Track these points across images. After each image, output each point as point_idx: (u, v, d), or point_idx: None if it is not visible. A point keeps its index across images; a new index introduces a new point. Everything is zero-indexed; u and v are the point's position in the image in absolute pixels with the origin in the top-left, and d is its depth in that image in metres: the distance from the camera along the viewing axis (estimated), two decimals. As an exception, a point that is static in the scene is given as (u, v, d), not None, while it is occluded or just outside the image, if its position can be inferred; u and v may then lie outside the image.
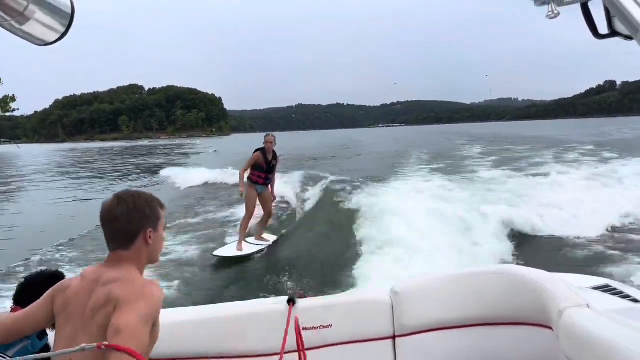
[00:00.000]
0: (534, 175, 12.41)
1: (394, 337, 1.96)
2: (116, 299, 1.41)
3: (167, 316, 2.01)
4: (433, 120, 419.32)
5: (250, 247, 7.29)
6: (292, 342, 1.89)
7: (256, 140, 7.50)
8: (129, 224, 1.53)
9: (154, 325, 1.46)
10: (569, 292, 1.60)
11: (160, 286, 1.51)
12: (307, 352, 1.90)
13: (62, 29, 0.90)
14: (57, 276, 1.88)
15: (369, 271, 5.56)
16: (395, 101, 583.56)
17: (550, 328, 1.64)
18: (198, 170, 19.26)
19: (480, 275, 1.94)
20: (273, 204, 7.82)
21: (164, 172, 21.31)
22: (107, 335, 1.35)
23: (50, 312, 1.54)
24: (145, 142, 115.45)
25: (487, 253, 6.19)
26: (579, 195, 9.07)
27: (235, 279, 6.29)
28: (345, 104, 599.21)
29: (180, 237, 8.45)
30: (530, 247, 6.79)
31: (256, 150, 7.34)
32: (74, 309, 1.49)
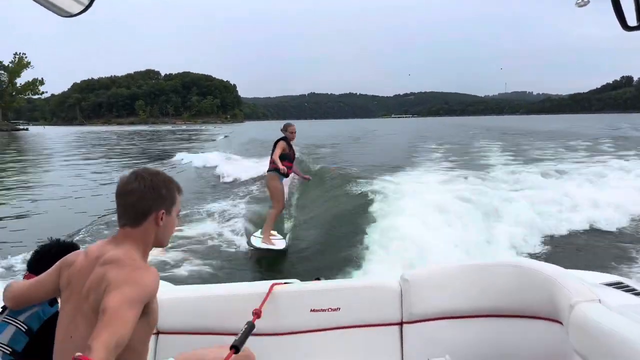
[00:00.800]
0: (548, 169, 12.58)
1: (401, 324, 1.99)
2: (107, 281, 1.40)
3: (185, 292, 2.08)
4: (446, 111, 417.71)
5: (276, 241, 7.12)
6: (302, 322, 2.01)
7: (271, 128, 7.64)
8: (141, 201, 1.50)
9: (148, 310, 1.44)
10: (581, 287, 1.60)
11: (155, 272, 1.47)
12: (315, 333, 1.99)
13: (86, 1, 0.88)
14: (72, 248, 1.90)
15: (379, 259, 5.61)
16: (408, 92, 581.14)
17: (560, 322, 1.64)
18: (213, 154, 20.17)
19: (491, 267, 1.95)
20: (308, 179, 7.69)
21: (184, 156, 21.73)
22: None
23: (57, 283, 1.56)
24: (169, 127, 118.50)
25: (498, 247, 6.26)
26: (591, 191, 9.19)
27: (240, 264, 6.45)
28: (358, 94, 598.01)
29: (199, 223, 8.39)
30: (542, 243, 6.84)
31: (279, 140, 6.88)
32: (75, 286, 1.51)
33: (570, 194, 8.94)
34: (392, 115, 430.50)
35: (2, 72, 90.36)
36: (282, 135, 6.93)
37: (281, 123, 7.44)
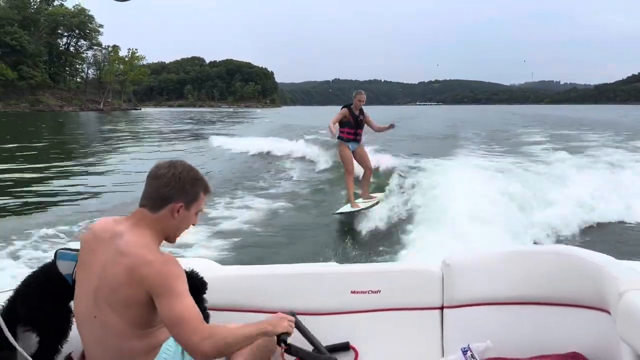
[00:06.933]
0: (594, 158, 12.36)
1: (442, 308, 1.97)
2: (148, 284, 1.43)
3: (230, 271, 2.24)
4: (471, 100, 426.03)
5: (363, 204, 7.43)
6: (343, 303, 2.04)
7: (303, 112, 10.32)
8: (164, 187, 1.53)
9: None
10: (630, 275, 1.55)
11: (176, 260, 1.52)
12: (354, 315, 2.02)
13: None
14: None
15: (421, 244, 5.63)
16: (433, 79, 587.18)
17: (607, 311, 1.61)
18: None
19: (536, 253, 1.91)
20: (395, 126, 7.86)
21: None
22: (166, 323, 1.44)
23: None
24: (230, 109, 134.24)
25: (541, 234, 6.21)
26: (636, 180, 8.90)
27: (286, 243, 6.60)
28: (383, 80, 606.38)
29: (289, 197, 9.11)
30: (588, 232, 6.65)
31: (344, 106, 7.21)
32: (91, 267, 1.53)
33: (624, 183, 8.64)
34: (417, 103, 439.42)
35: (121, 64, 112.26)
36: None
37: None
